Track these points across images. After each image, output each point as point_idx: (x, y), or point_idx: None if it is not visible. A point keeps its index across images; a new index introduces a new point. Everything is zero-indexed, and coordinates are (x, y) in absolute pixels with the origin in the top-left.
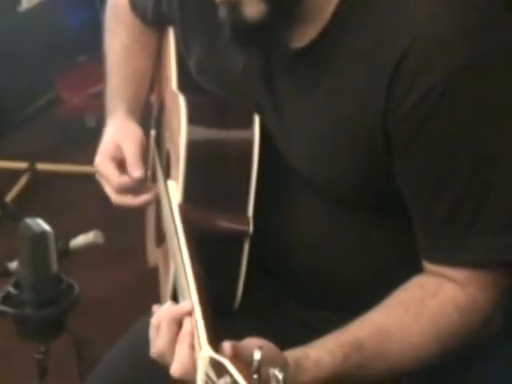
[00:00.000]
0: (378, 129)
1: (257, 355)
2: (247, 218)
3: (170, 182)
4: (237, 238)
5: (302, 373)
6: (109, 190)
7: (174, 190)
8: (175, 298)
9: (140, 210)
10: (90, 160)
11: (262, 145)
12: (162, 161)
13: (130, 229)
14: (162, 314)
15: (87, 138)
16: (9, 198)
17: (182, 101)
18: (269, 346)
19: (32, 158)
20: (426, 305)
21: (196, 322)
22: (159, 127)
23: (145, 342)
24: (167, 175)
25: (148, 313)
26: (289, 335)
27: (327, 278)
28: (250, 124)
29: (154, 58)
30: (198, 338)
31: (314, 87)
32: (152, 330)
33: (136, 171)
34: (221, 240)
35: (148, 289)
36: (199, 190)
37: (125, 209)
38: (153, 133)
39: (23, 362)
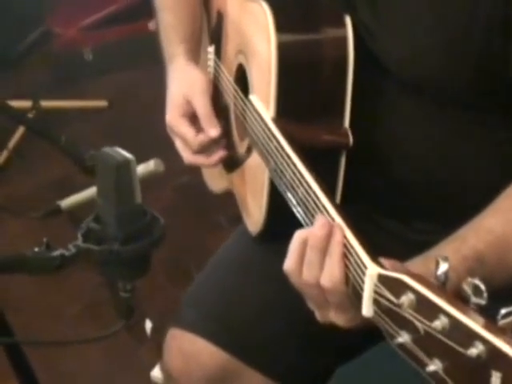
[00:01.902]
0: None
1: (443, 266)
2: (344, 129)
3: (253, 97)
4: (334, 151)
5: None
6: (182, 149)
7: (260, 105)
8: (270, 218)
9: None
10: (92, 94)
11: (355, 48)
12: (232, 77)
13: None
14: (309, 232)
15: (86, 72)
16: (16, 136)
17: (264, 5)
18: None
19: (34, 96)
20: None
21: (348, 240)
22: (218, 42)
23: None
24: (244, 92)
25: None
26: (381, 249)
27: (431, 190)
28: (341, 23)
29: None
30: (356, 255)
31: None
32: (295, 246)
33: (213, 130)
34: (317, 153)
35: None
36: (292, 102)
37: None
38: (211, 49)
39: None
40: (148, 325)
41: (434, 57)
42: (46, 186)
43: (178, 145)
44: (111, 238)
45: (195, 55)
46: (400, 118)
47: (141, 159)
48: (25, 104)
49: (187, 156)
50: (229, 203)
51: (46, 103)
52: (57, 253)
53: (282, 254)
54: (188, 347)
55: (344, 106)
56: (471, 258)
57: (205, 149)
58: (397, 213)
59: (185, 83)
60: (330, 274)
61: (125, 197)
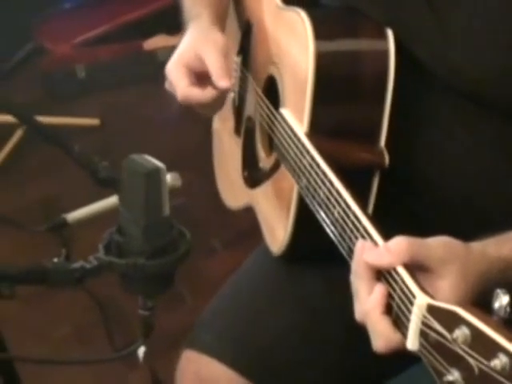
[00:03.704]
0: None
1: (504, 299)
2: (380, 149)
3: (285, 111)
4: (367, 170)
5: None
6: (176, 83)
7: (292, 119)
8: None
9: None
10: (84, 113)
11: (397, 63)
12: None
13: None
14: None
15: (78, 90)
16: (3, 154)
17: (303, 14)
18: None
19: None
20: None
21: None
22: (246, 52)
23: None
24: (274, 105)
25: None
26: None
27: (473, 208)
28: (382, 35)
29: None
30: (403, 282)
31: None
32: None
33: (223, 81)
34: (349, 172)
35: None
36: (328, 116)
37: None
38: (237, 59)
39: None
40: (140, 350)
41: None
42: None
43: (172, 83)
44: (136, 252)
45: (222, 22)
46: (443, 133)
47: None
48: (14, 121)
49: (182, 88)
50: (223, 227)
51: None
52: (77, 265)
53: (304, 276)
54: (205, 372)
55: (381, 124)
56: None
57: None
58: (435, 232)
59: (200, 40)
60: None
61: (153, 208)
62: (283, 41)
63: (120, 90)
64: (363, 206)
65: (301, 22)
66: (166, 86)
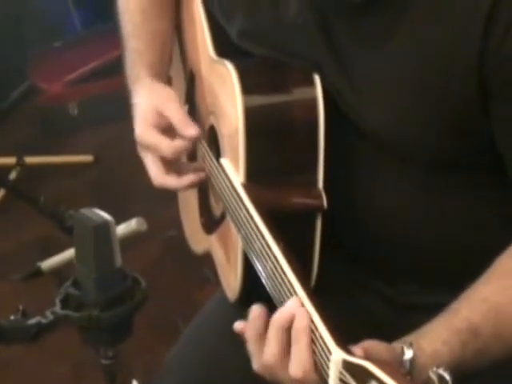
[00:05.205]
0: (473, 74)
1: (408, 353)
2: (318, 191)
3: (224, 161)
4: (309, 214)
5: (419, 369)
6: (153, 168)
7: (230, 169)
8: (246, 287)
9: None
10: (77, 149)
11: (326, 107)
12: (205, 139)
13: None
14: (263, 322)
15: (71, 127)
16: (1, 193)
17: (230, 67)
18: (384, 346)
19: (18, 152)
20: None
21: (315, 324)
22: (191, 102)
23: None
24: (216, 154)
25: None
26: (371, 312)
27: (410, 249)
28: (310, 83)
29: (173, 21)
30: (321, 339)
31: (388, 38)
32: (252, 343)
33: (190, 129)
34: (291, 217)
35: None
36: (263, 165)
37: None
38: (185, 108)
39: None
40: None
41: (413, 125)
42: (31, 244)
43: (149, 163)
44: (91, 304)
45: (163, 77)
46: (376, 177)
47: (128, 214)
48: (9, 161)
49: (157, 176)
50: None
51: (30, 159)
52: (33, 321)
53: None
54: None
55: (317, 168)
56: (465, 331)
57: (178, 168)
58: (383, 274)
59: (154, 97)
60: (299, 362)
61: (104, 260)
62: (217, 92)
63: (113, 126)
64: (291, 261)
65: (229, 75)
66: (139, 150)
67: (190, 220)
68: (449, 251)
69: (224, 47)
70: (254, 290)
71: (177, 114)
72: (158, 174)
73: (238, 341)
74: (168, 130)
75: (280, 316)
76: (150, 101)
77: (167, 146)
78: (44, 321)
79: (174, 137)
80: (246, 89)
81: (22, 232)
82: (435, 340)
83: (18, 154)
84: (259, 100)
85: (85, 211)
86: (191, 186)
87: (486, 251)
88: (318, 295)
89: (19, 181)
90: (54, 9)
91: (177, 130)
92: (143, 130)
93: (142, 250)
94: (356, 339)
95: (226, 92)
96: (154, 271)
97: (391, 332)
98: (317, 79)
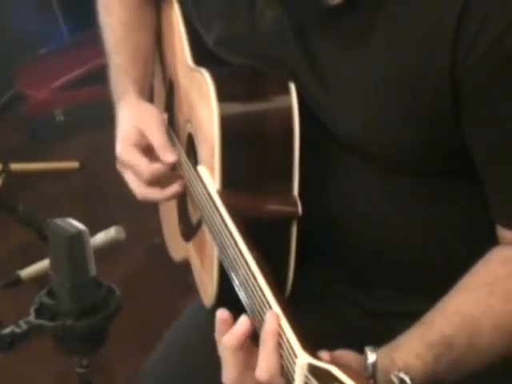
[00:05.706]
0: (446, 77)
1: (371, 357)
2: (294, 198)
3: (201, 168)
4: (284, 221)
5: (382, 372)
6: (134, 183)
7: (207, 177)
8: (222, 294)
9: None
10: (63, 155)
11: (301, 115)
12: (183, 146)
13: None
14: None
15: (57, 133)
16: None
17: (207, 76)
18: (353, 354)
19: (4, 158)
20: None
21: (282, 328)
22: (171, 110)
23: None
24: (194, 161)
25: None
26: (346, 318)
27: (385, 256)
28: (285, 91)
29: (155, 35)
30: (288, 343)
31: (362, 44)
32: (225, 353)
33: (169, 156)
34: (267, 225)
35: None
36: (238, 173)
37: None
38: (164, 117)
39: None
40: None
41: (388, 131)
42: (14, 252)
43: (130, 179)
44: (65, 313)
45: (146, 94)
46: (351, 184)
47: (112, 221)
48: None
49: (139, 189)
50: None
51: (16, 166)
52: (7, 330)
53: None
54: None
55: (292, 175)
56: (438, 343)
57: (158, 180)
58: (358, 281)
59: (137, 116)
60: (266, 366)
61: (78, 270)
62: (194, 100)
63: (99, 132)
64: (263, 269)
65: (205, 83)
66: (118, 167)
67: (169, 227)
68: (422, 261)
69: (201, 55)
70: (230, 297)
71: (157, 136)
72: (140, 188)
73: (214, 347)
74: (148, 151)
75: (237, 332)
76: (133, 119)
77: (145, 168)
78: (18, 330)
79: (154, 157)
80: (222, 97)
81: (6, 240)
82: (408, 354)
83: (3, 160)
84: (235, 108)
85: (59, 221)
86: (175, 196)
87: (460, 261)
88: (292, 302)
89: (4, 188)
90: (40, 18)
91: (156, 153)
92: (123, 148)
93: (126, 257)
94: (331, 345)
95: (202, 100)
96: (138, 279)
97: (366, 338)
98: (292, 88)
